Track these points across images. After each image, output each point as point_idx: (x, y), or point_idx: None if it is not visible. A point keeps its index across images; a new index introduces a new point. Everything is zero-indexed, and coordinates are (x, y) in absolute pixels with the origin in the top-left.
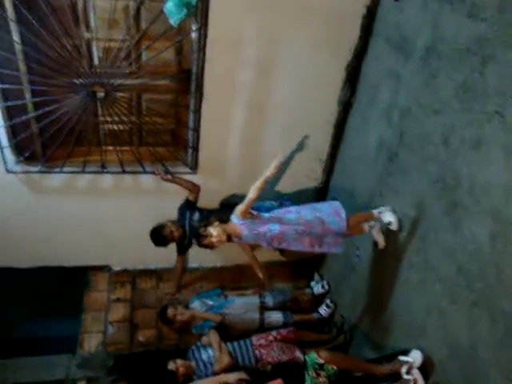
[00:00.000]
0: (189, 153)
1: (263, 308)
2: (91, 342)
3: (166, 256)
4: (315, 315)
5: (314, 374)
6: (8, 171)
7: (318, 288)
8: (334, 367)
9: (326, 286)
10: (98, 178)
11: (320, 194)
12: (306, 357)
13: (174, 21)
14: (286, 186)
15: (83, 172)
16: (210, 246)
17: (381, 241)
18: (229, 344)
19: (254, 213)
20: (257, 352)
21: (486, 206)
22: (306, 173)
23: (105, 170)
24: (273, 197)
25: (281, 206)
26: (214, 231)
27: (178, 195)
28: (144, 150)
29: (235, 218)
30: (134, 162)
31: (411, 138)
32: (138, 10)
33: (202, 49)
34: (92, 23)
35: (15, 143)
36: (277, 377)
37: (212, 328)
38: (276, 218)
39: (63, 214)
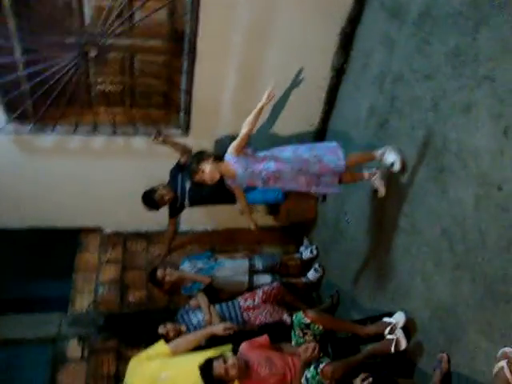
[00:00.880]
0: (181, 115)
1: (252, 271)
2: (83, 302)
3: (158, 219)
4: (303, 279)
5: (301, 333)
6: None
7: (306, 253)
8: (320, 327)
9: (315, 251)
10: (90, 140)
11: None
12: (293, 316)
13: None
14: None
15: (75, 133)
16: (202, 183)
17: (381, 189)
18: (217, 306)
19: (249, 151)
20: (245, 314)
21: (472, 170)
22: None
23: (96, 132)
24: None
25: None
26: (207, 167)
27: (170, 158)
28: (136, 112)
29: (229, 156)
30: (125, 124)
31: (402, 103)
32: None
33: (196, 10)
34: None
35: (6, 102)
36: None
37: (200, 291)
38: (271, 156)
39: (55, 174)
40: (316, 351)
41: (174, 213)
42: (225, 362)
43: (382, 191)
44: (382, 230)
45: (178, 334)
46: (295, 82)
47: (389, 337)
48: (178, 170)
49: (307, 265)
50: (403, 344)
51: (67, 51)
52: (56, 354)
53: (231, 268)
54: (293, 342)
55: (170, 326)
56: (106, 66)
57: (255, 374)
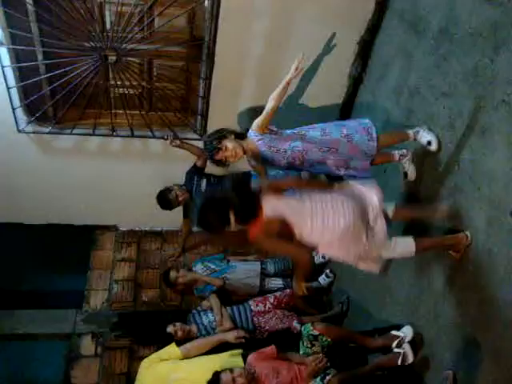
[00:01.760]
0: (198, 119)
1: (264, 274)
2: (97, 299)
3: (172, 219)
4: (314, 284)
5: (309, 344)
6: (19, 131)
7: (318, 257)
8: (328, 339)
9: (327, 256)
10: (108, 141)
11: None
12: (302, 328)
13: None
14: None
15: (93, 134)
16: (224, 162)
17: (411, 171)
18: (228, 308)
19: (274, 128)
20: (255, 319)
21: (485, 192)
22: None
23: (114, 133)
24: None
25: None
26: (230, 144)
27: (186, 160)
28: (153, 115)
29: (252, 133)
30: (143, 127)
31: (418, 118)
32: None
33: (215, 17)
34: None
35: (27, 104)
36: (272, 342)
37: (213, 292)
38: (298, 134)
39: (73, 174)
40: (323, 363)
41: (188, 214)
42: (232, 374)
43: (412, 174)
44: None
45: (187, 334)
46: (312, 89)
47: (396, 350)
48: (194, 172)
49: (319, 269)
50: (410, 358)
51: (87, 55)
52: (70, 350)
53: (243, 271)
54: (301, 352)
55: (178, 325)
56: (125, 69)
57: None
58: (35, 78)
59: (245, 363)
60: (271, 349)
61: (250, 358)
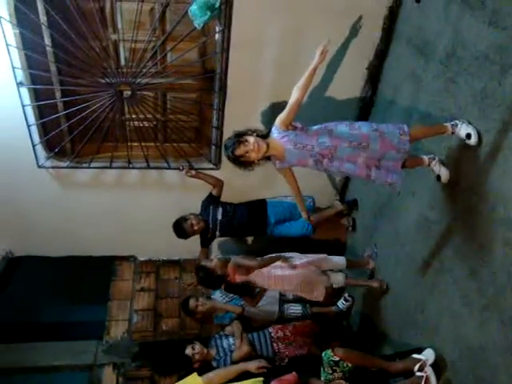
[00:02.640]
0: (212, 149)
1: (282, 300)
2: (117, 330)
3: (190, 247)
4: (333, 308)
5: (330, 370)
6: (39, 166)
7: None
8: (349, 364)
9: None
10: (125, 173)
11: None
12: (322, 354)
13: (197, 23)
14: None
15: (110, 167)
16: (246, 159)
17: (444, 172)
18: (249, 334)
19: (299, 124)
20: (275, 345)
21: (500, 213)
22: None
23: (131, 166)
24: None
25: None
26: (251, 138)
27: (202, 190)
28: (168, 146)
29: (276, 130)
30: (158, 158)
31: (429, 141)
32: (163, 12)
33: (226, 50)
34: (119, 25)
35: (46, 140)
36: (292, 369)
37: (234, 319)
38: (325, 129)
39: (91, 206)
40: None
41: (206, 243)
42: None
43: (445, 176)
44: (409, 264)
45: (205, 357)
46: (324, 113)
47: (418, 374)
48: (210, 201)
49: (337, 293)
50: (433, 382)
51: (103, 91)
52: (92, 381)
53: (262, 298)
54: (322, 378)
55: (197, 348)
56: (139, 103)
57: None
58: (54, 115)
59: None
60: (293, 376)
61: None
